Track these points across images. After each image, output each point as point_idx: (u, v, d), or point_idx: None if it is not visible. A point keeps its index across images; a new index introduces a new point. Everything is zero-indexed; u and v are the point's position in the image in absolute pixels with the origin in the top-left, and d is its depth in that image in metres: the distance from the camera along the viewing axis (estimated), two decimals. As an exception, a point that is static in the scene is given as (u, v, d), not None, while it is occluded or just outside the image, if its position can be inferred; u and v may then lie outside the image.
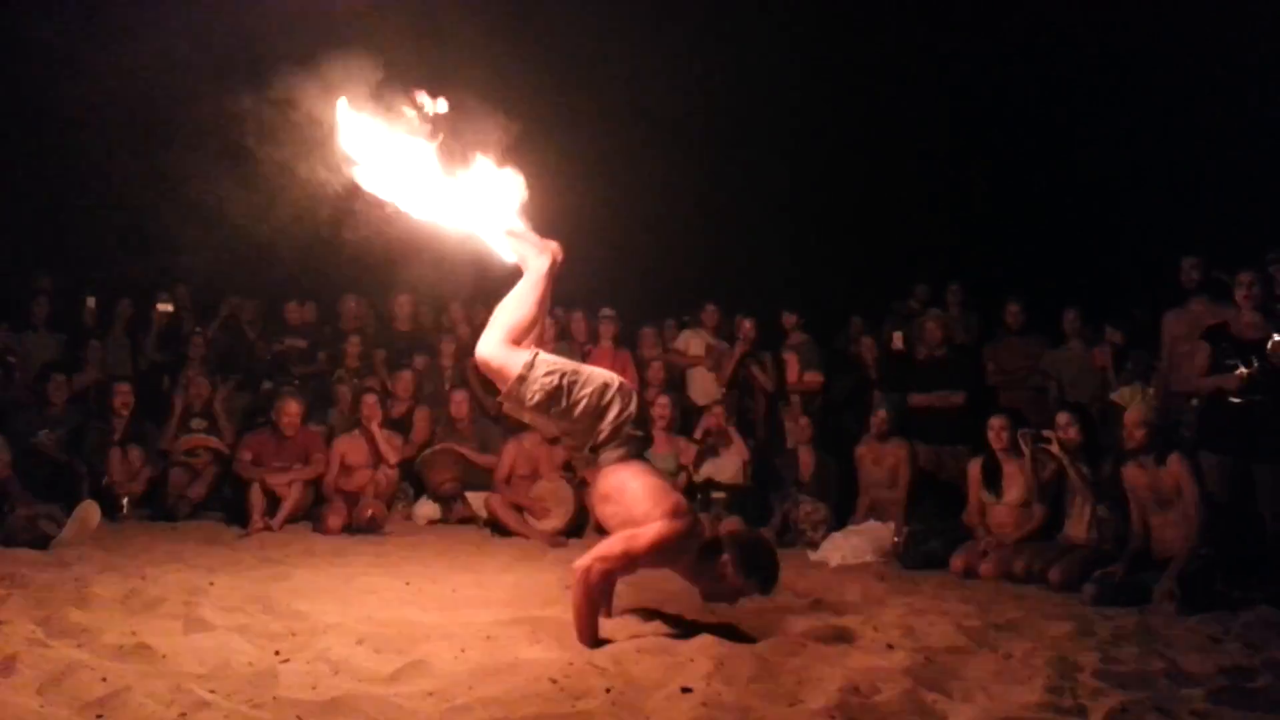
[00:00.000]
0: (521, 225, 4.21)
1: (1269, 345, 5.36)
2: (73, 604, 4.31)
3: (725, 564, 3.87)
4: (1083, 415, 5.95)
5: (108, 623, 4.00)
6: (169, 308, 8.39)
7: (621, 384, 4.01)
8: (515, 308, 4.05)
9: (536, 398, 3.91)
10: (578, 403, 3.90)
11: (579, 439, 4.01)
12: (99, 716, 2.96)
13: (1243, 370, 5.42)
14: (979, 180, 9.00)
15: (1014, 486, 6.00)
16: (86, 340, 7.96)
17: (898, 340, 7.58)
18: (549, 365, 3.95)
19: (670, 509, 3.83)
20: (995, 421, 6.12)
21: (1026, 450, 5.88)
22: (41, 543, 5.67)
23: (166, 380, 7.96)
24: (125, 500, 6.89)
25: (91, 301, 8.29)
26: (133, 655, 3.56)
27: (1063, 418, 5.85)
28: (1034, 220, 8.82)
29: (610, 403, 3.92)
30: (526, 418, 4.17)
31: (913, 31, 7.82)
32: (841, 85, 8.04)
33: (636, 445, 4.00)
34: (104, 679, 3.24)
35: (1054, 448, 5.77)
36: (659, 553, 3.82)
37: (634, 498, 3.86)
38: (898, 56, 7.94)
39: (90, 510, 5.99)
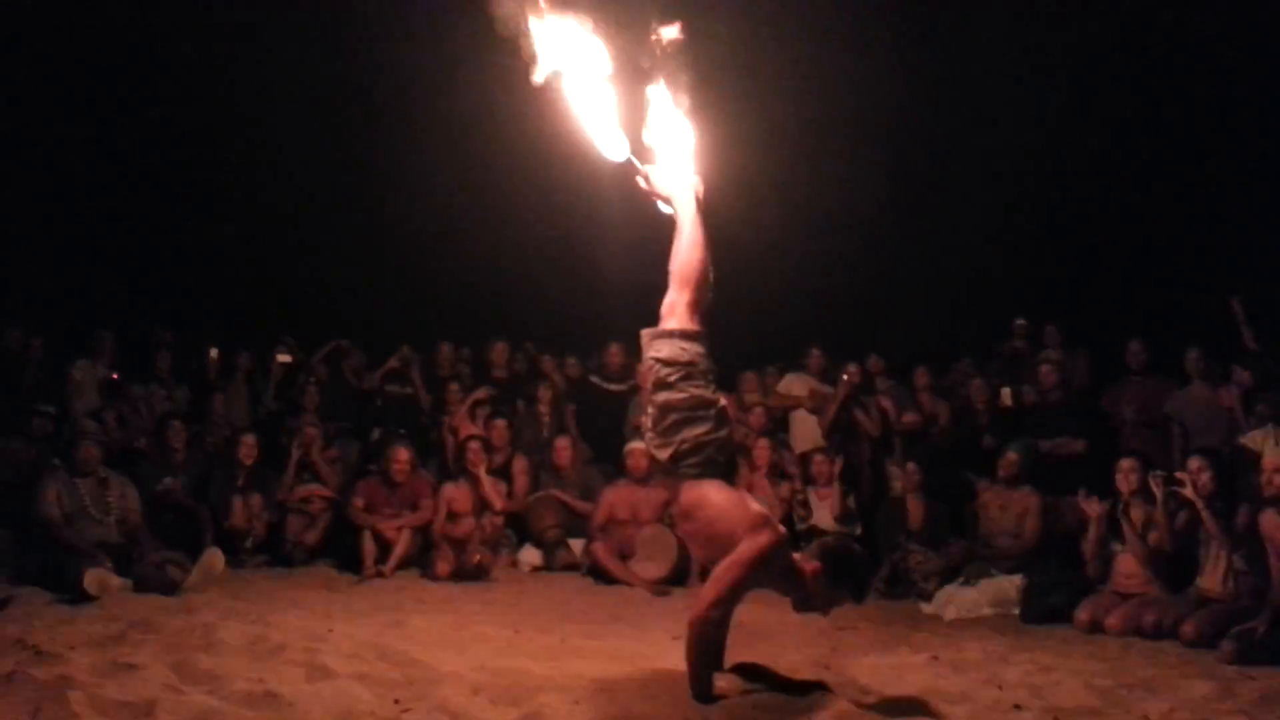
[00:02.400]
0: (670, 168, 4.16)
1: None
2: (202, 650, 4.46)
3: (816, 572, 3.79)
4: (1215, 460, 5.66)
5: (236, 669, 4.12)
6: (288, 358, 8.69)
7: (723, 407, 3.96)
8: (688, 258, 4.02)
9: (669, 356, 3.89)
10: (682, 394, 3.86)
11: (659, 438, 3.94)
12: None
13: None
14: (1091, 214, 8.74)
15: (1144, 534, 5.72)
16: (210, 392, 8.31)
17: (1006, 397, 7.34)
18: (701, 352, 3.93)
19: (755, 521, 3.74)
20: (1125, 463, 5.85)
21: (1159, 494, 5.61)
22: (170, 589, 5.89)
23: (283, 430, 8.23)
24: (250, 541, 7.11)
25: (215, 352, 8.62)
26: (262, 703, 3.66)
27: (1195, 463, 5.56)
28: (1151, 256, 8.50)
29: (703, 418, 3.87)
30: (643, 369, 4.06)
31: (1016, 54, 7.63)
32: (940, 113, 7.90)
33: (716, 471, 3.90)
34: (236, 727, 3.34)
35: (1188, 491, 5.48)
36: (756, 572, 3.73)
37: (716, 512, 3.79)
38: (999, 80, 7.75)
39: (215, 557, 6.21)
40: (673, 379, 3.88)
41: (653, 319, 4.11)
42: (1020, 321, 8.21)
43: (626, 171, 4.19)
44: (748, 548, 3.68)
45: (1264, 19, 7.55)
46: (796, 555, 3.86)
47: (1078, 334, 7.97)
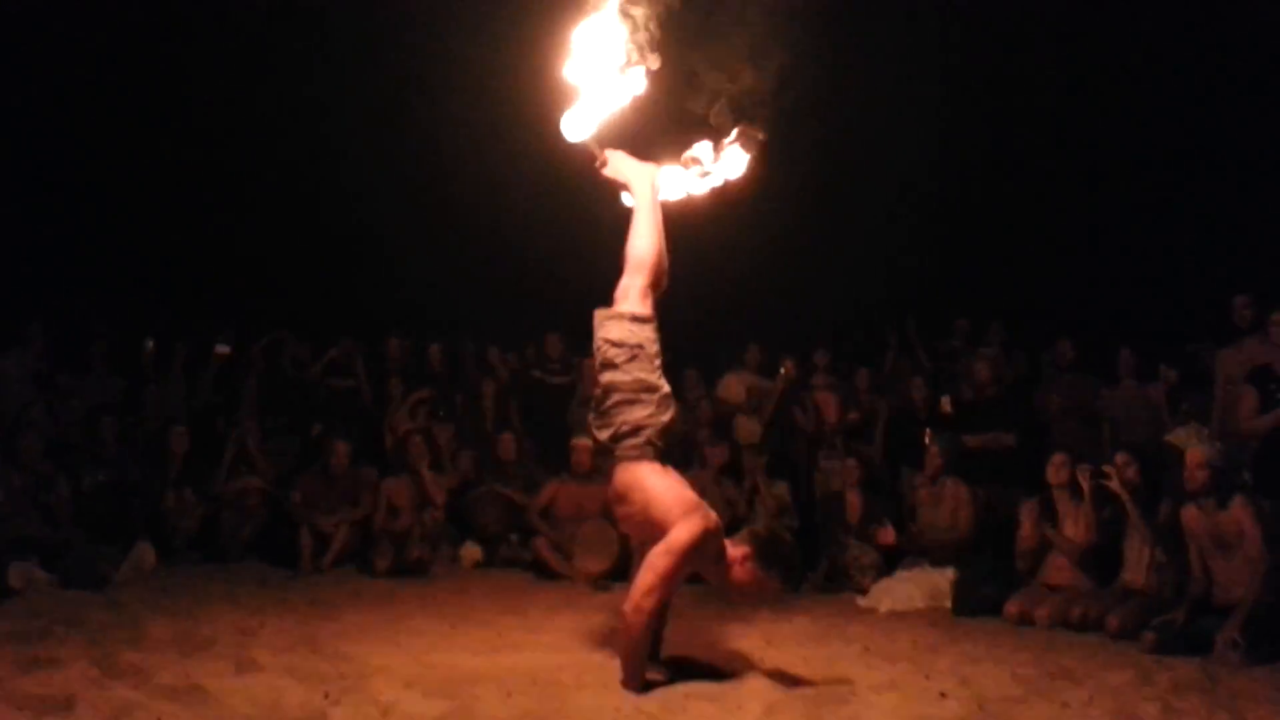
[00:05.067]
0: (623, 154, 4.17)
1: None
2: (127, 644, 4.39)
3: (747, 558, 3.83)
4: (1142, 455, 5.83)
5: (161, 663, 4.06)
6: (227, 350, 8.53)
7: (666, 395, 3.97)
8: (643, 244, 4.06)
9: (618, 337, 3.92)
10: (627, 376, 3.88)
11: (600, 418, 3.96)
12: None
13: None
14: (1025, 215, 8.91)
15: (1071, 527, 5.87)
16: (145, 384, 8.14)
17: (945, 404, 7.46)
18: (650, 337, 3.95)
19: (688, 507, 3.78)
20: (1056, 458, 5.99)
21: (1086, 487, 5.75)
22: (98, 584, 5.77)
23: (220, 422, 8.10)
24: (178, 537, 6.98)
25: (150, 344, 8.44)
26: (186, 696, 3.60)
27: (1121, 457, 5.72)
28: (1083, 256, 8.69)
29: (645, 401, 3.89)
30: (597, 344, 4.06)
31: (942, 48, 7.73)
32: (874, 116, 8.00)
33: (654, 455, 3.90)
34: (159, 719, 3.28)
35: (1114, 484, 5.63)
36: (690, 559, 3.76)
37: (651, 495, 3.82)
38: (927, 76, 7.86)
39: (145, 551, 6.12)
40: (619, 360, 3.90)
41: (600, 303, 4.11)
42: (962, 321, 8.36)
43: (585, 156, 4.17)
44: (680, 534, 3.70)
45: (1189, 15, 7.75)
46: (727, 541, 3.89)
47: (1019, 333, 8.12)
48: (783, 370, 7.86)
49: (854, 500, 7.05)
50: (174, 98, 9.45)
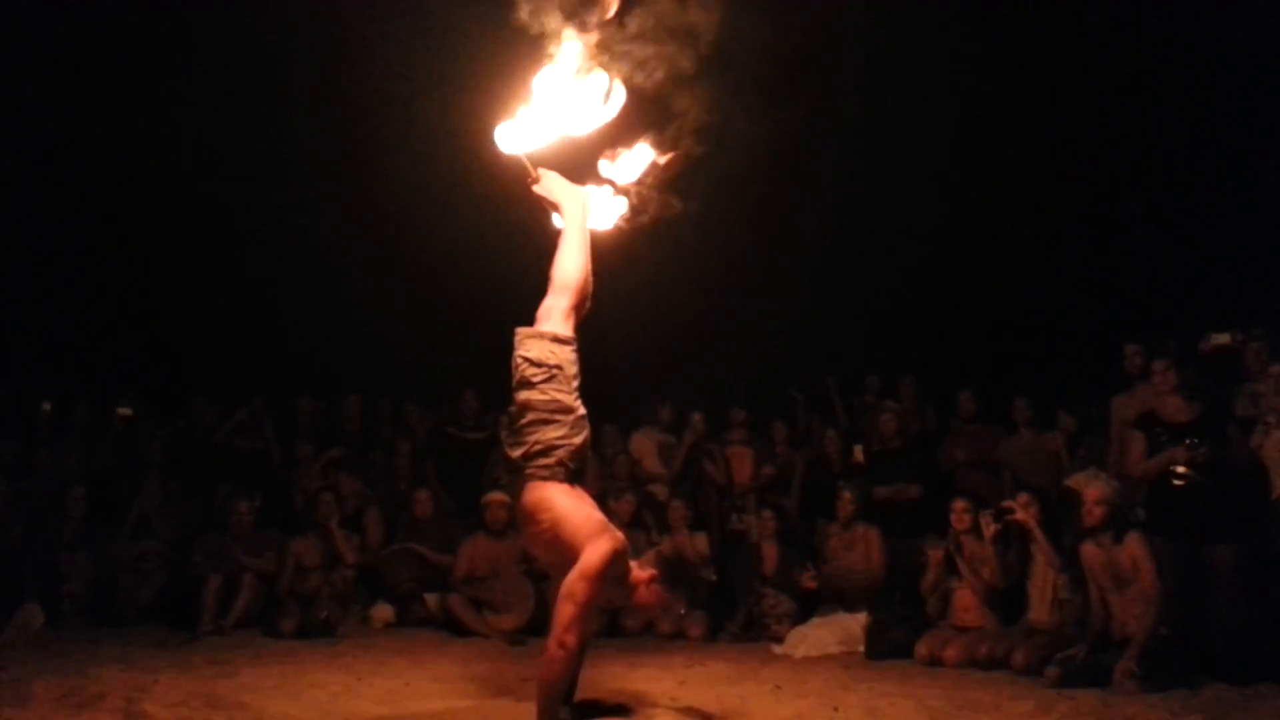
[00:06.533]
0: (556, 175, 4.20)
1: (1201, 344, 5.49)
2: (8, 704, 4.16)
3: (654, 580, 3.86)
4: (1042, 497, 6.02)
5: (46, 718, 3.85)
6: (128, 412, 8.30)
7: (581, 417, 3.97)
8: (570, 265, 4.07)
9: (538, 356, 3.93)
10: (543, 396, 3.89)
11: (513, 436, 3.96)
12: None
13: (1190, 442, 5.49)
14: (927, 273, 9.22)
15: (978, 569, 6.00)
16: (39, 446, 7.85)
17: (858, 454, 7.62)
18: (570, 359, 3.97)
19: (596, 528, 3.79)
20: (958, 504, 6.14)
21: (989, 532, 5.90)
22: (-20, 646, 5.47)
23: (121, 485, 7.82)
24: (66, 601, 6.66)
25: (47, 406, 8.19)
26: (67, 746, 3.43)
27: (1024, 497, 5.92)
28: (983, 310, 9.01)
29: (560, 422, 3.89)
30: (516, 361, 4.03)
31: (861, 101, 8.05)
32: (780, 171, 8.25)
33: (565, 476, 3.90)
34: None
35: (1020, 514, 5.79)
36: (604, 582, 3.74)
37: (560, 515, 3.81)
38: (836, 142, 8.18)
39: (32, 613, 5.83)
40: (537, 380, 3.91)
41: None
42: (873, 378, 8.57)
43: (518, 172, 4.19)
44: (591, 558, 3.69)
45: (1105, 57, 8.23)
46: (633, 563, 3.89)
47: (930, 388, 8.34)
48: (691, 426, 7.95)
49: (770, 551, 7.09)
50: (75, 142, 9.24)
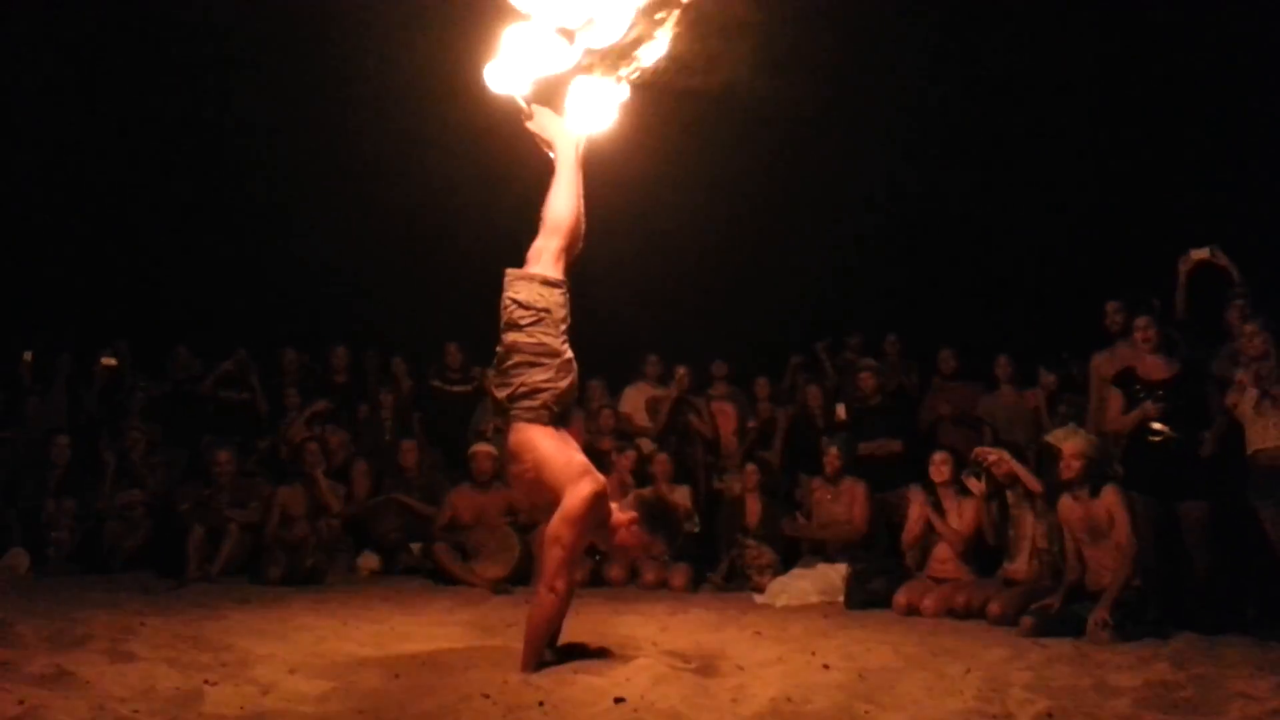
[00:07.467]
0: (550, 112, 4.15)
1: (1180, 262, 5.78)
2: (-6, 645, 4.18)
3: (634, 522, 3.91)
4: (1020, 455, 6.10)
5: (30, 657, 3.88)
6: (113, 362, 8.28)
7: (567, 361, 3.97)
8: (561, 206, 4.04)
9: (526, 299, 3.92)
10: (530, 339, 3.89)
11: (499, 377, 3.96)
12: (13, 735, 2.89)
13: (1160, 394, 5.61)
14: (917, 237, 9.24)
15: (956, 520, 6.09)
16: (24, 395, 7.83)
17: (841, 412, 7.66)
18: (559, 302, 3.96)
19: (578, 470, 3.82)
20: (937, 456, 6.22)
21: (976, 486, 5.98)
22: (-34, 591, 5.50)
23: (105, 435, 7.82)
24: (52, 548, 6.69)
25: (28, 355, 8.14)
26: (54, 682, 3.47)
27: (993, 453, 6.00)
28: (968, 267, 9.04)
29: (545, 365, 3.89)
30: (505, 302, 4.02)
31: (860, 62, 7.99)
32: (769, 131, 8.20)
33: (549, 419, 3.92)
34: (21, 701, 3.15)
35: (994, 457, 5.87)
36: (587, 525, 3.79)
37: (542, 457, 3.84)
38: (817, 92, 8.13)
39: (18, 557, 5.86)
40: (524, 322, 3.91)
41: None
42: (855, 336, 8.59)
43: (512, 109, 4.15)
44: (573, 501, 3.74)
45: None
46: (614, 505, 3.94)
47: (914, 345, 8.39)
48: (676, 378, 7.98)
49: (753, 504, 7.18)
50: (65, 107, 9.16)
